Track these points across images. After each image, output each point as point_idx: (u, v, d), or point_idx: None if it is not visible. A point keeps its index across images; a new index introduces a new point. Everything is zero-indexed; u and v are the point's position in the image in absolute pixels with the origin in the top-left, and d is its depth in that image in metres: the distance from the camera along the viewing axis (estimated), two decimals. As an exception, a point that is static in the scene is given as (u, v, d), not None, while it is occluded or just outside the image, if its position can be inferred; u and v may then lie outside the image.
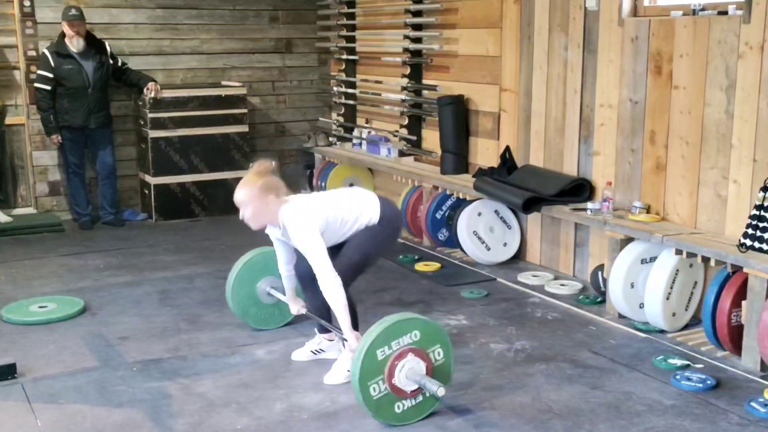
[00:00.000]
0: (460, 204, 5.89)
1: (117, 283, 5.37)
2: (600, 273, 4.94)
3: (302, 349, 4.18)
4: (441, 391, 3.34)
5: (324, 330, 4.13)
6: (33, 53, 6.89)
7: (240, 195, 3.72)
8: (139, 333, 4.49)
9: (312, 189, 7.65)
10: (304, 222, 3.66)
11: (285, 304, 4.28)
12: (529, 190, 5.25)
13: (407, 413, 3.43)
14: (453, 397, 3.65)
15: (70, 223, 6.99)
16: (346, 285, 3.72)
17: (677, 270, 4.37)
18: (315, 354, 4.14)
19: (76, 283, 5.38)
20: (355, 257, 3.82)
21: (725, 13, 4.33)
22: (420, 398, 3.44)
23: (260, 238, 6.52)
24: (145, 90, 6.95)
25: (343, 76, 7.73)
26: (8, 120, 6.93)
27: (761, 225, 4.01)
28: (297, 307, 4.14)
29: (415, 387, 3.40)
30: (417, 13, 6.64)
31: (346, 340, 3.72)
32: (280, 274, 4.13)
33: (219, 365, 4.05)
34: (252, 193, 3.68)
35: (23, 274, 5.57)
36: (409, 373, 3.36)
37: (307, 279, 3.99)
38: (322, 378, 3.87)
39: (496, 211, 5.75)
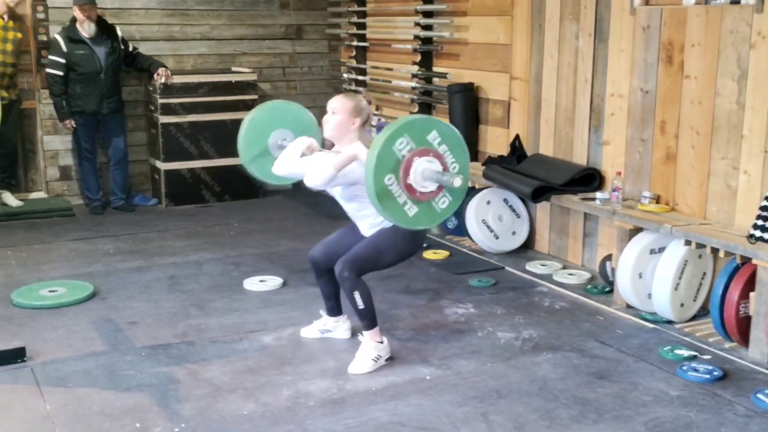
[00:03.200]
0: (470, 192, 5.88)
1: (127, 268, 5.40)
2: (608, 263, 4.93)
3: (310, 327, 4.27)
4: (457, 182, 3.38)
5: (331, 314, 4.19)
6: (44, 38, 6.90)
7: (337, 102, 3.83)
8: (148, 318, 4.52)
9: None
10: (362, 149, 3.65)
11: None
12: (538, 179, 5.24)
13: (416, 218, 3.48)
14: (459, 384, 3.67)
15: (80, 207, 7.02)
16: (350, 272, 3.75)
17: (686, 261, 4.36)
18: (322, 333, 4.21)
19: (86, 267, 5.41)
20: (368, 251, 3.82)
21: (738, 2, 4.29)
22: (432, 204, 3.49)
23: (265, 225, 6.54)
24: (155, 75, 6.96)
25: (353, 63, 7.72)
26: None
27: (771, 216, 4.00)
28: (308, 142, 4.03)
29: (427, 190, 3.44)
30: (428, 0, 6.61)
31: (363, 334, 3.84)
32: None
33: (227, 351, 4.08)
34: (348, 105, 3.80)
35: (33, 259, 5.61)
36: (426, 173, 3.41)
37: (321, 266, 4.04)
38: (330, 365, 3.89)
39: (505, 200, 5.74)
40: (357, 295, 3.78)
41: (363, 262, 3.81)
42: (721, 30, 4.35)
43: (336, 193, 3.91)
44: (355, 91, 7.63)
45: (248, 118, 4.26)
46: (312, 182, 3.71)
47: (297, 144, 4.03)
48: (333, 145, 3.92)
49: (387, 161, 3.36)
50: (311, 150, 3.99)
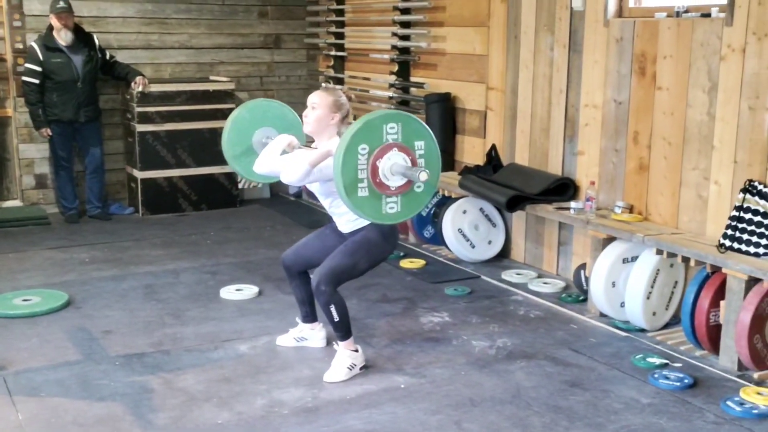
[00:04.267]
0: (446, 201, 5.92)
1: (102, 277, 5.38)
2: (582, 272, 4.97)
3: (286, 335, 4.27)
4: (423, 176, 3.40)
5: (305, 320, 4.21)
6: (20, 45, 6.87)
7: (317, 96, 3.83)
8: (123, 327, 4.50)
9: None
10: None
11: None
12: (513, 188, 5.28)
13: (392, 215, 3.53)
14: (433, 393, 3.69)
15: (56, 216, 6.98)
16: (326, 286, 3.75)
17: (658, 270, 4.41)
18: (297, 341, 4.22)
19: (61, 276, 5.39)
20: (343, 261, 3.80)
21: (708, 15, 4.37)
22: (406, 196, 3.53)
23: (242, 234, 6.53)
24: (132, 84, 6.95)
25: (331, 73, 7.74)
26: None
27: (740, 226, 4.06)
28: (289, 139, 4.03)
29: (399, 184, 3.47)
30: (405, 11, 6.66)
31: (338, 343, 3.86)
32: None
33: (202, 360, 4.07)
34: (328, 100, 3.81)
35: (7, 267, 5.57)
36: (394, 168, 3.43)
37: (293, 269, 4.07)
38: (305, 373, 3.90)
39: (481, 209, 5.78)
40: (333, 308, 3.79)
41: (339, 273, 3.81)
42: (692, 42, 4.42)
43: (314, 189, 3.91)
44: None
45: (232, 117, 4.26)
46: (288, 179, 3.71)
47: (277, 142, 4.02)
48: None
49: (355, 156, 3.38)
50: (292, 147, 3.98)
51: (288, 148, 3.98)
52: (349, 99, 3.92)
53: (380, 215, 3.52)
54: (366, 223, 3.79)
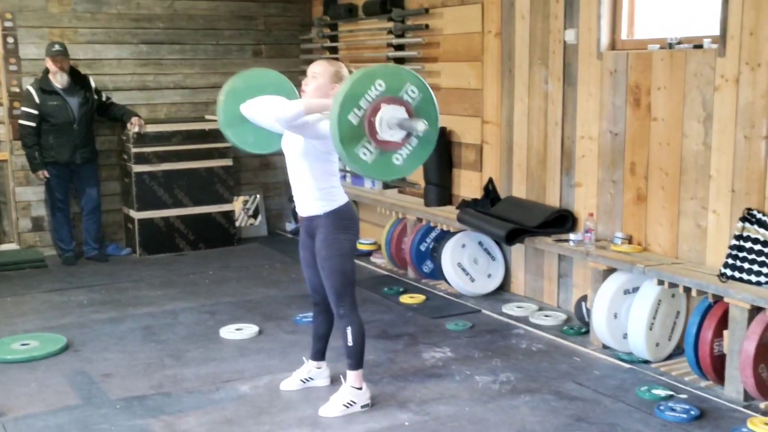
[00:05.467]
0: (444, 236, 5.92)
1: (100, 319, 5.34)
2: (584, 304, 4.96)
3: (290, 378, 4.20)
4: (421, 126, 3.37)
5: (314, 358, 4.17)
6: (16, 89, 6.90)
7: (319, 66, 3.77)
8: (123, 369, 4.47)
9: (297, 222, 7.64)
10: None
11: None
12: (512, 221, 5.29)
13: (408, 163, 3.51)
14: (438, 430, 3.65)
15: (53, 258, 6.95)
16: (342, 308, 3.79)
17: (659, 300, 4.40)
18: (304, 382, 4.16)
19: (59, 319, 5.35)
20: (333, 279, 3.78)
21: (701, 46, 4.41)
22: (415, 143, 3.49)
23: (240, 273, 6.51)
24: (128, 125, 6.97)
25: (326, 110, 7.76)
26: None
27: (741, 255, 4.06)
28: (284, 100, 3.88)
29: (404, 134, 3.43)
30: (399, 47, 6.71)
31: (345, 377, 3.83)
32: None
33: (203, 401, 4.03)
34: (330, 70, 3.75)
35: (5, 311, 5.53)
36: (392, 121, 3.39)
37: (323, 304, 4.00)
38: (308, 413, 3.86)
39: (480, 243, 5.78)
40: (349, 331, 3.80)
41: (340, 290, 3.79)
42: (685, 74, 4.46)
43: (292, 147, 3.77)
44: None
45: (226, 88, 4.08)
46: (280, 113, 3.57)
47: (272, 98, 3.91)
48: None
49: (354, 102, 3.36)
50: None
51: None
52: (350, 72, 3.78)
53: (365, 166, 3.47)
54: (320, 210, 3.75)
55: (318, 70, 3.75)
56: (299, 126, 3.59)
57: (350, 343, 3.81)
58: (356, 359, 3.85)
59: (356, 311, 3.85)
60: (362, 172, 3.58)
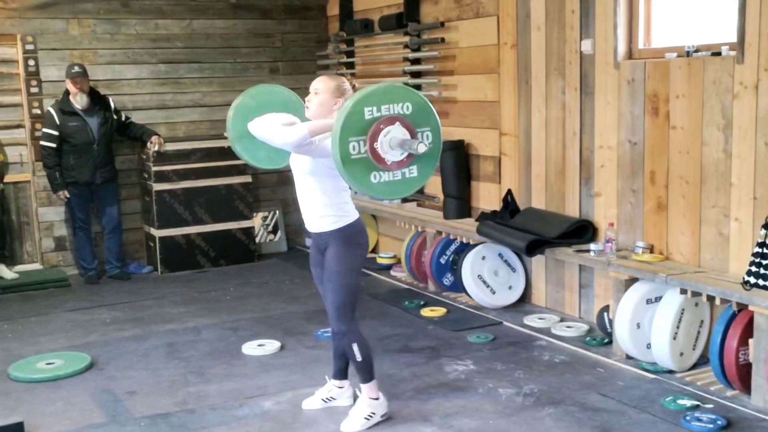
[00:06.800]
0: (464, 248, 5.91)
1: (124, 337, 5.38)
2: (606, 314, 4.93)
3: (313, 397, 4.18)
4: (421, 147, 3.37)
5: (336, 377, 4.14)
6: (38, 111, 6.98)
7: (320, 82, 3.78)
8: (147, 387, 4.49)
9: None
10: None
11: None
12: (531, 232, 5.28)
13: (381, 187, 3.47)
14: (462, 444, 3.64)
15: (76, 277, 7.01)
16: (342, 325, 3.77)
17: (683, 309, 4.37)
18: (326, 402, 4.14)
19: (83, 338, 5.39)
20: (338, 294, 3.77)
21: (719, 53, 4.40)
22: (398, 176, 3.46)
23: (261, 289, 6.53)
24: (148, 143, 7.04)
25: (344, 125, 7.78)
26: (13, 177, 6.99)
27: (764, 262, 4.02)
28: (292, 119, 3.93)
29: (396, 159, 3.41)
30: (415, 61, 6.73)
31: (360, 389, 3.80)
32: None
33: (227, 418, 4.04)
34: (331, 85, 3.76)
35: (30, 331, 5.58)
36: (393, 141, 3.38)
37: (338, 335, 3.96)
38: (331, 428, 3.86)
39: (500, 255, 5.77)
40: (355, 347, 3.79)
41: (342, 306, 3.78)
42: (704, 81, 4.44)
43: (300, 165, 3.79)
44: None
45: (234, 105, 4.17)
46: (284, 139, 3.61)
47: (280, 116, 3.94)
48: None
49: (355, 125, 3.36)
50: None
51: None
52: (353, 87, 3.84)
53: (369, 186, 3.47)
54: (332, 226, 3.75)
55: (319, 86, 3.77)
56: (305, 149, 3.63)
57: (359, 358, 3.80)
58: (368, 372, 3.85)
59: (356, 324, 3.83)
60: (371, 192, 3.56)
